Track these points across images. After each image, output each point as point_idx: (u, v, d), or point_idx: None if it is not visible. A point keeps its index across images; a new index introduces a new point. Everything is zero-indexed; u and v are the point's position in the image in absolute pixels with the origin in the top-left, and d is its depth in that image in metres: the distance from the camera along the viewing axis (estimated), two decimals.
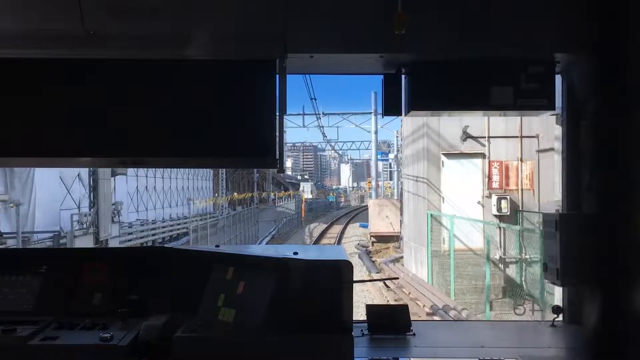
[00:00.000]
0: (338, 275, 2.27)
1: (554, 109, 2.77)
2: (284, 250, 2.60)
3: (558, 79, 2.82)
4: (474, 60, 2.70)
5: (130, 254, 2.99)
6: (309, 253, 2.61)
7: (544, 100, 2.72)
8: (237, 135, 2.54)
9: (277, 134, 2.54)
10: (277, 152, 2.53)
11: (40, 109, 2.53)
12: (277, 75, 2.53)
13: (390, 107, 2.84)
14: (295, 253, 2.48)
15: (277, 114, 2.53)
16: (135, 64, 2.55)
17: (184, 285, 2.55)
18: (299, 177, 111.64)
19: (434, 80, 2.72)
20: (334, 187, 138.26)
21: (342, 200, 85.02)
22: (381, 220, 27.10)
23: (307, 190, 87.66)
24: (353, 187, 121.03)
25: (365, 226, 34.59)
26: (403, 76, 2.80)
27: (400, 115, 2.89)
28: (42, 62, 2.53)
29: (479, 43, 2.66)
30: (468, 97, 2.74)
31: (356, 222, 44.26)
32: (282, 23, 2.55)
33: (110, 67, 2.54)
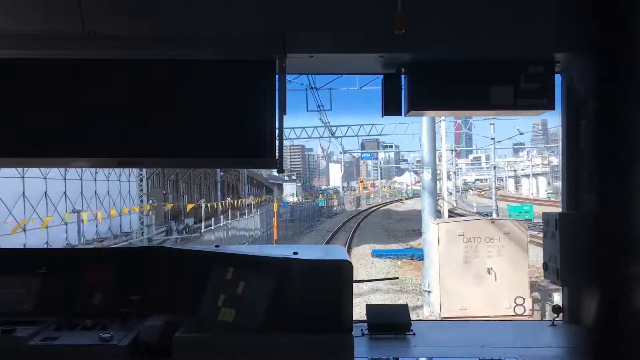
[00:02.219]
0: (338, 275, 2.27)
1: (553, 108, 2.77)
2: (284, 250, 2.60)
3: (558, 78, 2.82)
4: (474, 60, 2.70)
5: (130, 254, 2.98)
6: (309, 253, 2.62)
7: (544, 100, 2.72)
8: (237, 135, 2.53)
9: (277, 134, 2.54)
10: (277, 152, 2.53)
11: (39, 109, 2.53)
12: (277, 75, 2.53)
13: (390, 107, 2.84)
14: (295, 253, 2.48)
15: (277, 113, 2.53)
16: (135, 64, 2.55)
17: (184, 285, 2.54)
18: (286, 178, 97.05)
19: (434, 80, 2.72)
20: (324, 187, 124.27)
21: (335, 204, 65.02)
22: (475, 283, 10.09)
23: (290, 193, 73.68)
24: (343, 187, 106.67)
25: (380, 254, 20.46)
26: (403, 76, 2.79)
27: (400, 114, 2.88)
28: (42, 62, 2.53)
29: (479, 43, 2.66)
30: (468, 97, 2.74)
31: (362, 243, 25.76)
32: (282, 23, 2.55)
33: (110, 67, 2.54)
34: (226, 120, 2.54)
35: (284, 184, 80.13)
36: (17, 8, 2.61)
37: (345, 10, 2.64)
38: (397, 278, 15.78)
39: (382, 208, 59.01)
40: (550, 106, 2.74)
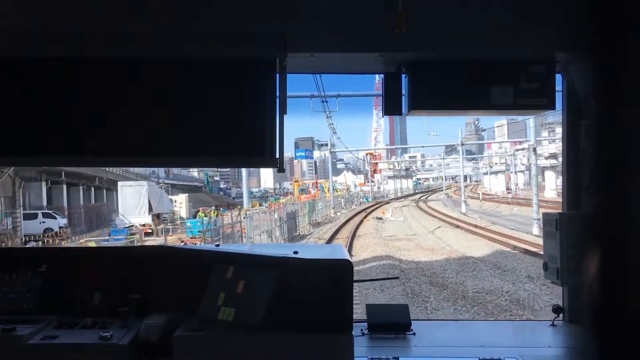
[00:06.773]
0: (338, 274, 2.27)
1: (554, 108, 2.77)
2: (284, 250, 2.60)
3: (558, 78, 2.82)
4: (474, 60, 2.70)
5: (131, 253, 2.99)
6: (309, 252, 2.62)
7: (544, 100, 2.72)
8: (237, 135, 2.53)
9: (278, 133, 2.54)
10: (277, 152, 2.53)
11: (40, 108, 2.53)
12: (277, 75, 2.53)
13: (391, 106, 2.84)
14: (296, 252, 2.48)
15: (278, 113, 2.54)
16: (135, 64, 2.55)
17: (183, 284, 2.55)
18: (218, 180, 74.62)
19: (434, 80, 2.72)
20: (254, 189, 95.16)
21: (236, 229, 27.04)
22: None
23: (136, 207, 37.49)
24: (275, 190, 77.68)
25: None
26: (403, 75, 2.80)
27: (401, 114, 2.89)
28: (42, 62, 2.53)
29: (479, 43, 2.66)
30: (468, 97, 2.74)
31: None
32: (282, 22, 2.55)
33: (110, 67, 2.54)
34: (226, 120, 2.54)
35: (121, 186, 40.09)
36: (17, 7, 2.61)
37: (345, 9, 2.64)
38: (398, 278, 15.76)
39: (366, 263, 19.89)
40: (551, 106, 2.74)
